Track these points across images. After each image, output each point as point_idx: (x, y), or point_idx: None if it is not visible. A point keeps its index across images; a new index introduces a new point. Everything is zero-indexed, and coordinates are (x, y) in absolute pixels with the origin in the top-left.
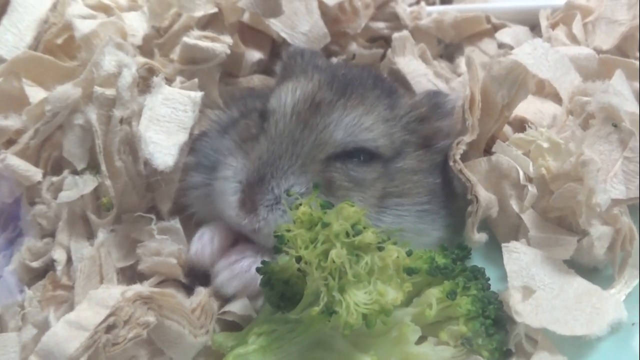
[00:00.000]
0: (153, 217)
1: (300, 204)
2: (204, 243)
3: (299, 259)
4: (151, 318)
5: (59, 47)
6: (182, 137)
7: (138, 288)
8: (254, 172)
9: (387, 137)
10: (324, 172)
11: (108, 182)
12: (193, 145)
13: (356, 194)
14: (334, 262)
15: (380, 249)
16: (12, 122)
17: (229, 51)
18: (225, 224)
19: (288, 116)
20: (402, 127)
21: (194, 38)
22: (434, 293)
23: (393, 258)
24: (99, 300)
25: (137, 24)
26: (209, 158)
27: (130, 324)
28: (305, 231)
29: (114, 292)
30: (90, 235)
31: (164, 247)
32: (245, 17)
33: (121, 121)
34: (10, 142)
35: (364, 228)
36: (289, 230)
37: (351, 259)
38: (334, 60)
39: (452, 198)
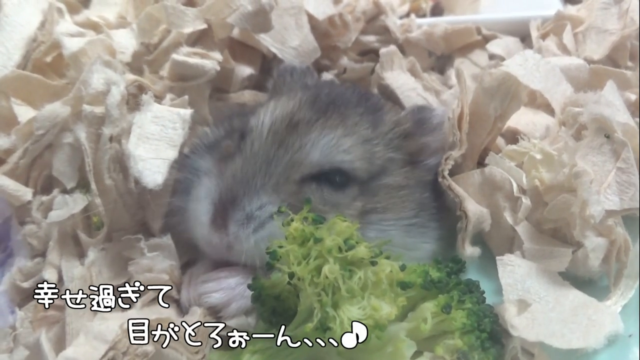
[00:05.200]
0: (141, 237)
1: (292, 220)
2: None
3: (291, 275)
4: (149, 347)
5: (47, 65)
6: (172, 154)
7: (133, 315)
8: (226, 190)
9: (365, 160)
10: (298, 193)
11: (98, 201)
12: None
13: (332, 217)
14: (327, 277)
15: (373, 263)
16: (1, 141)
17: (218, 68)
18: (210, 262)
19: (264, 135)
20: (385, 145)
21: (183, 55)
22: (428, 307)
23: (386, 272)
24: (97, 334)
25: (126, 41)
26: (188, 180)
27: (129, 355)
28: (297, 247)
29: (111, 325)
30: (81, 255)
31: (155, 263)
32: (235, 33)
33: (110, 139)
34: None
35: (357, 243)
36: (281, 246)
37: (344, 274)
38: (325, 75)
39: (443, 210)
